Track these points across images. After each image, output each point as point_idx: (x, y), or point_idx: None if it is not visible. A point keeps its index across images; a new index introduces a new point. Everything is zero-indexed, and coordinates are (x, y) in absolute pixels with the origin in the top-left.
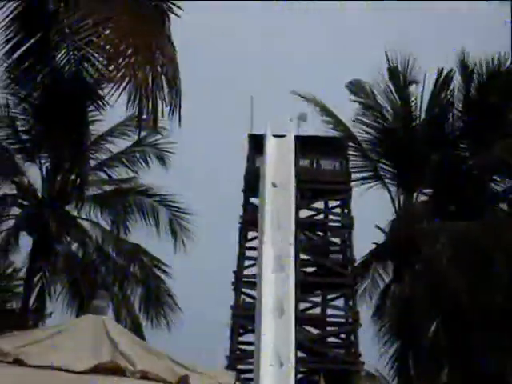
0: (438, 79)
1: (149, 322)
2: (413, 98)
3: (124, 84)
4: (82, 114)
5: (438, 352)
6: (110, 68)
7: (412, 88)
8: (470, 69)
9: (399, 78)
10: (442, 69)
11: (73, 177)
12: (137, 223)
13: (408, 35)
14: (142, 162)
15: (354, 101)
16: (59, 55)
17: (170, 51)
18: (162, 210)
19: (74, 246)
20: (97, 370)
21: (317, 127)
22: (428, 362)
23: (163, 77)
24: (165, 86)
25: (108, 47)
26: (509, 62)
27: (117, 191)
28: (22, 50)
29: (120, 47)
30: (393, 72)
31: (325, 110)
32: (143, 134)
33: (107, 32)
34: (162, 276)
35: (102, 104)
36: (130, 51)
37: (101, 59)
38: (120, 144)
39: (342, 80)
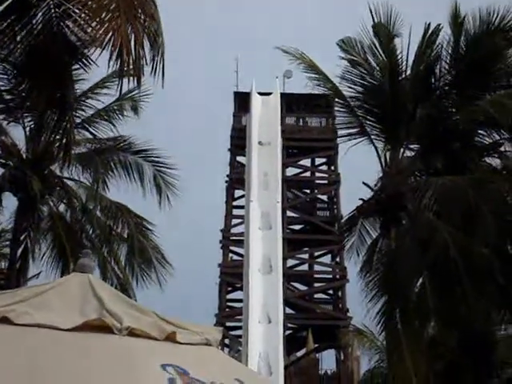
0: (424, 34)
1: (138, 280)
2: (398, 53)
3: (106, 39)
4: (65, 72)
5: (424, 306)
6: (93, 24)
7: (398, 43)
8: (460, 22)
9: (384, 33)
10: (429, 23)
11: (58, 136)
12: (121, 180)
13: None
14: (119, 115)
15: (343, 58)
16: (40, 13)
17: (151, 8)
18: (146, 166)
19: (59, 206)
20: (84, 327)
21: (302, 84)
22: (415, 317)
23: (145, 34)
24: (147, 43)
25: (90, 2)
26: (499, 17)
27: (98, 149)
28: (1, 7)
29: (102, 2)
30: (377, 27)
31: (311, 67)
32: (125, 90)
33: None
34: (148, 233)
35: (85, 62)
36: (112, 6)
37: (82, 15)
38: (104, 100)
39: (330, 40)
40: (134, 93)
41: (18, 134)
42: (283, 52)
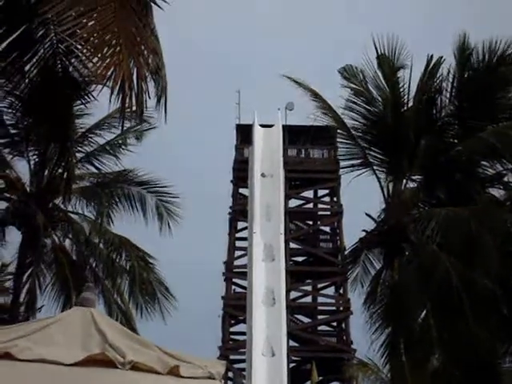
0: (427, 65)
1: (142, 313)
2: (401, 85)
3: (108, 75)
4: (68, 108)
5: (428, 338)
6: (94, 60)
7: (401, 74)
8: (467, 53)
9: (387, 65)
10: (432, 55)
11: (60, 170)
12: (123, 212)
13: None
14: (122, 146)
15: (345, 86)
16: (44, 48)
17: (153, 43)
18: (148, 197)
19: (63, 240)
20: (87, 362)
21: (304, 116)
22: (419, 349)
23: (147, 68)
24: (149, 77)
25: (92, 39)
26: (501, 49)
27: (101, 182)
28: (5, 43)
29: (104, 38)
30: (381, 59)
31: (315, 97)
32: (130, 125)
33: (91, 23)
34: (150, 266)
35: (87, 97)
36: (113, 42)
37: (85, 51)
38: (109, 137)
39: (330, 70)
40: (138, 127)
41: (22, 168)
42: (288, 81)
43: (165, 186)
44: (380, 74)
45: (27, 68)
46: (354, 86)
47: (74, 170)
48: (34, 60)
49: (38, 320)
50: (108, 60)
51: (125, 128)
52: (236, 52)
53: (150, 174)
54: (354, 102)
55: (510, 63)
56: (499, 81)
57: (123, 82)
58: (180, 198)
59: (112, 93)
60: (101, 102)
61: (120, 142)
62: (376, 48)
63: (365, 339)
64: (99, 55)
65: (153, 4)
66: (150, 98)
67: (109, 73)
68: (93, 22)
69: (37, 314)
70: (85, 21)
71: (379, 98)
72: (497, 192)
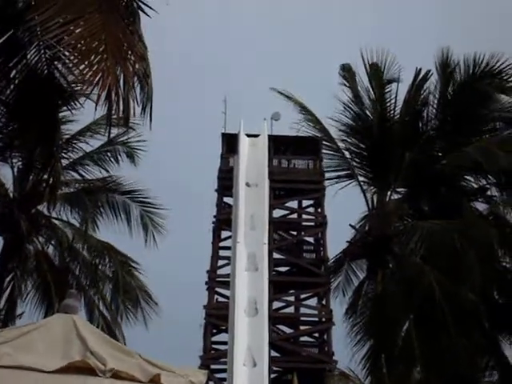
0: (415, 79)
1: (125, 320)
2: (389, 97)
3: (95, 82)
4: (54, 113)
5: (410, 351)
6: (81, 67)
7: (389, 86)
8: (450, 69)
9: (376, 77)
10: (420, 69)
11: (45, 176)
12: (107, 220)
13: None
14: (112, 160)
15: (346, 86)
16: (30, 54)
17: (140, 50)
18: (133, 206)
19: (47, 246)
20: (67, 369)
21: (290, 127)
22: (400, 361)
23: (134, 75)
24: (136, 84)
25: (79, 45)
26: (484, 63)
27: (87, 189)
28: None
29: (91, 45)
30: (371, 70)
31: (302, 108)
32: (115, 132)
33: (78, 30)
34: (133, 272)
35: (73, 103)
36: (101, 49)
37: (71, 58)
38: (93, 143)
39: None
40: (126, 137)
41: (5, 174)
42: (276, 93)
43: (149, 197)
44: (369, 86)
45: (13, 74)
46: (352, 86)
47: (59, 176)
48: (20, 66)
49: (19, 326)
50: (95, 66)
51: (112, 136)
52: (222, 60)
53: (134, 184)
54: (347, 110)
55: (492, 76)
56: (482, 94)
57: (110, 88)
58: (165, 210)
59: (98, 99)
60: (87, 109)
61: (109, 154)
62: (363, 60)
63: (346, 350)
64: (86, 62)
65: (140, 12)
66: (138, 105)
67: (96, 79)
68: (80, 28)
69: (17, 320)
70: (72, 28)
71: (367, 110)
72: (480, 206)
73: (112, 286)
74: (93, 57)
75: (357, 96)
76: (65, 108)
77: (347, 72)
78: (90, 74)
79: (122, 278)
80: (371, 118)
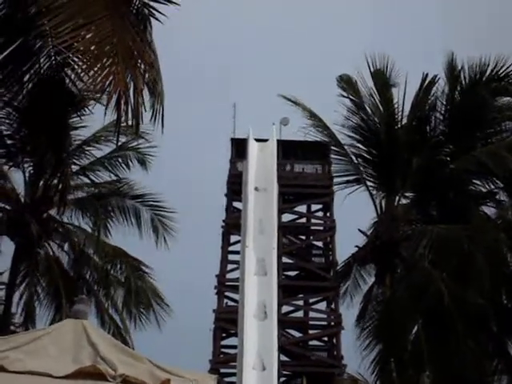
0: (422, 84)
1: (136, 324)
2: (395, 102)
3: (105, 87)
4: (64, 119)
5: (419, 355)
6: (91, 73)
7: (396, 91)
8: (456, 73)
9: (381, 82)
10: (427, 74)
11: (55, 182)
12: (118, 224)
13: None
14: (123, 166)
15: (344, 96)
16: (41, 60)
17: (150, 57)
18: (143, 210)
19: (57, 250)
20: (78, 374)
21: (299, 132)
22: (410, 365)
23: (144, 82)
24: (146, 91)
25: (89, 51)
26: (490, 66)
27: (98, 194)
28: (3, 54)
29: (101, 51)
30: (375, 76)
31: (310, 114)
32: (126, 139)
33: (88, 36)
34: (145, 276)
35: (83, 110)
36: (111, 55)
37: (81, 63)
38: (105, 149)
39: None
40: (137, 143)
41: (17, 179)
42: (284, 99)
43: (160, 201)
44: (374, 91)
45: (25, 79)
46: (350, 97)
47: (69, 182)
48: (32, 72)
49: (30, 331)
50: (105, 72)
51: (122, 142)
52: (234, 65)
53: (144, 188)
54: (349, 118)
55: (499, 79)
56: (489, 98)
57: (119, 94)
58: (176, 213)
59: (107, 105)
60: (99, 115)
61: (120, 160)
62: (369, 65)
63: (356, 355)
64: (96, 67)
65: (152, 18)
66: (145, 110)
67: (105, 85)
68: (90, 34)
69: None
70: (83, 33)
71: (373, 116)
72: (489, 210)
73: (124, 291)
74: (103, 62)
75: (360, 103)
76: (75, 114)
77: (345, 83)
78: (99, 79)
79: (134, 282)
80: (377, 123)
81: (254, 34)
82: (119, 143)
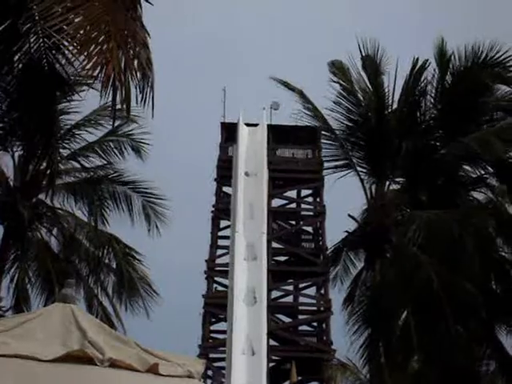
0: (412, 68)
1: (126, 310)
2: (385, 87)
3: (96, 72)
4: (52, 103)
5: (408, 340)
6: (83, 56)
7: (386, 76)
8: (446, 58)
9: (371, 66)
10: (418, 58)
11: (43, 165)
12: (110, 211)
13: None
14: (116, 152)
15: (335, 82)
16: (29, 42)
17: (142, 37)
18: (134, 197)
19: (48, 235)
20: (66, 358)
21: (289, 115)
22: (398, 351)
23: (136, 63)
24: (137, 72)
25: (79, 35)
26: (484, 53)
27: (90, 179)
28: None
29: (91, 34)
30: (366, 60)
31: (301, 97)
32: (117, 123)
33: (78, 19)
34: (136, 264)
35: (73, 94)
36: (101, 38)
37: (71, 48)
38: (96, 134)
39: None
40: (129, 128)
41: (6, 162)
42: (275, 82)
43: (151, 188)
44: (364, 76)
45: (14, 61)
46: (341, 82)
47: (57, 166)
48: (20, 54)
49: (17, 315)
50: (97, 52)
51: (113, 127)
52: (224, 49)
53: (136, 175)
54: (340, 103)
55: (492, 65)
56: (482, 84)
57: (114, 75)
58: (167, 200)
59: (102, 88)
60: (90, 99)
61: (112, 144)
62: (360, 49)
63: (345, 340)
64: (89, 49)
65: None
66: (140, 92)
67: (97, 68)
68: (80, 17)
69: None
70: (72, 16)
71: (363, 100)
72: (479, 195)
73: (115, 277)
74: (94, 44)
75: (350, 88)
76: (65, 99)
77: (337, 68)
78: (93, 60)
79: (125, 268)
80: (368, 108)
81: (246, 19)
82: (111, 128)
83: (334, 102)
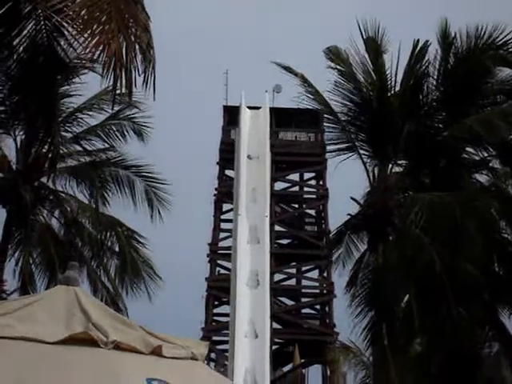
0: (413, 50)
1: (128, 294)
2: (387, 69)
3: (98, 52)
4: (53, 86)
5: (411, 323)
6: (82, 39)
7: (388, 58)
8: (449, 40)
9: (373, 48)
10: (418, 40)
11: (45, 148)
12: (113, 195)
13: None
14: (118, 135)
15: (332, 68)
16: (30, 24)
17: (143, 20)
18: (137, 181)
19: (50, 218)
20: (69, 341)
21: (292, 99)
22: (401, 333)
23: (137, 46)
24: (139, 55)
25: (80, 16)
26: (487, 34)
27: (92, 163)
28: None
29: (93, 15)
30: (368, 42)
31: (303, 81)
32: (119, 107)
33: (78, 1)
34: (139, 247)
35: (74, 77)
36: (103, 19)
37: (71, 29)
38: (99, 118)
39: (317, 53)
40: (132, 113)
41: (9, 145)
42: (276, 66)
43: (153, 172)
44: (367, 57)
45: (14, 43)
46: (339, 67)
47: (58, 149)
48: (21, 36)
49: (21, 298)
50: (100, 32)
51: (115, 111)
52: (225, 32)
53: (138, 159)
54: (341, 86)
55: (496, 48)
56: (485, 66)
57: (115, 57)
58: (169, 184)
59: (104, 70)
60: (92, 83)
61: (114, 128)
62: (361, 31)
63: (348, 322)
64: (92, 28)
65: None
66: (139, 75)
67: (98, 51)
68: None
69: (16, 293)
70: None
71: (365, 83)
72: (482, 178)
73: (118, 260)
74: (97, 24)
75: (350, 72)
76: (66, 82)
77: (333, 54)
78: (95, 39)
79: (128, 252)
80: (370, 91)
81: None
82: (113, 111)
83: (335, 85)
